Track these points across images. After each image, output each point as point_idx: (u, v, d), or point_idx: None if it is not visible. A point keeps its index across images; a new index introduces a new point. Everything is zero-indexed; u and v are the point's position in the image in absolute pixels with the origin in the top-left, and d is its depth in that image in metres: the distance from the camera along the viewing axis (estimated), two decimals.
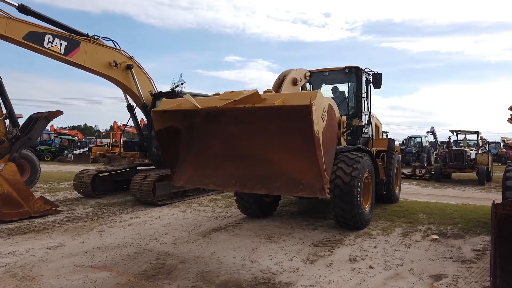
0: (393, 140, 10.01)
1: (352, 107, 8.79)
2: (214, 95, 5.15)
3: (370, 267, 4.97)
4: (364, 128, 8.78)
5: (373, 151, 8.36)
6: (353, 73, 8.63)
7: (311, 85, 9.34)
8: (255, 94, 4.44)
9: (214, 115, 5.32)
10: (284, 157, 4.86)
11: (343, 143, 7.89)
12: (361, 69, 8.63)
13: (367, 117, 9.07)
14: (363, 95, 8.72)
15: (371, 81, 8.81)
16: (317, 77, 9.21)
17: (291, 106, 4.37)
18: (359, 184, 6.58)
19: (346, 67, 8.58)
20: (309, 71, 9.04)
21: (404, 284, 4.39)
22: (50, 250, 5.65)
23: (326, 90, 9.53)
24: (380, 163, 8.58)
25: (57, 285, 4.31)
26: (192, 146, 5.57)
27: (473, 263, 5.15)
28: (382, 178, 8.53)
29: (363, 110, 8.76)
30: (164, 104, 5.11)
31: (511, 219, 3.16)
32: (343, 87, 9.23)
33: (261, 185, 4.83)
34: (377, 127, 10.55)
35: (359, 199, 6.54)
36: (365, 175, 7.01)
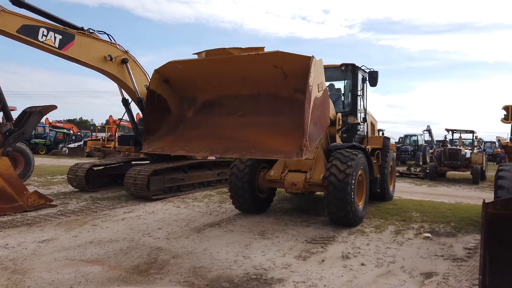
0: (388, 138, 10.06)
1: (348, 104, 8.80)
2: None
3: (362, 264, 4.99)
4: (359, 126, 8.79)
5: (368, 148, 8.37)
6: (349, 71, 8.61)
7: None
8: (259, 48, 4.87)
9: (211, 101, 5.48)
10: (266, 132, 4.86)
11: (338, 140, 7.90)
12: (358, 66, 8.62)
13: (362, 115, 9.09)
14: (359, 93, 8.73)
15: (367, 78, 8.81)
16: None
17: (293, 54, 4.56)
18: (353, 181, 6.59)
19: (342, 65, 8.57)
20: None
21: (395, 282, 4.42)
22: (42, 244, 5.63)
23: None
24: (374, 161, 8.60)
25: (49, 278, 4.30)
26: (177, 121, 5.57)
27: (464, 261, 5.19)
28: (377, 176, 8.56)
29: (359, 107, 8.78)
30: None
31: (502, 218, 3.18)
32: (339, 85, 9.23)
33: (234, 150, 4.78)
34: (373, 125, 10.58)
35: (352, 196, 6.55)
36: (360, 172, 7.02)
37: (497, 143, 35.58)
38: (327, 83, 9.33)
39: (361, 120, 8.98)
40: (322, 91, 4.78)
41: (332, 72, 9.00)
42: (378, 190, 8.76)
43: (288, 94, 5.01)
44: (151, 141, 5.31)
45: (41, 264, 4.76)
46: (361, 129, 9.03)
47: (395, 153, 11.34)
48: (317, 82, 4.55)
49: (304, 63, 4.49)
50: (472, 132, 19.16)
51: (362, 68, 8.80)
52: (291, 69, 4.72)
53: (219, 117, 5.43)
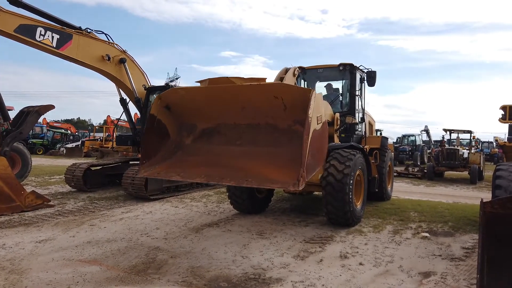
0: (386, 138, 10.05)
1: (346, 104, 8.79)
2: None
3: (360, 263, 5.00)
4: (357, 126, 8.79)
5: (366, 148, 8.37)
6: (347, 71, 8.61)
7: (305, 82, 9.34)
8: (261, 79, 5.07)
9: (210, 129, 5.56)
10: (263, 162, 4.88)
11: (336, 140, 7.89)
12: (356, 66, 8.62)
13: (360, 115, 9.08)
14: (357, 93, 8.72)
15: (365, 78, 8.81)
16: (312, 74, 9.20)
17: (294, 86, 4.79)
18: (351, 181, 6.59)
19: (340, 64, 8.57)
20: (303, 67, 9.06)
21: (393, 281, 4.42)
22: (39, 244, 5.61)
23: (320, 87, 9.53)
24: (372, 161, 8.60)
25: (46, 278, 4.29)
26: (175, 147, 5.64)
27: (462, 261, 5.19)
28: (375, 175, 8.56)
29: (357, 107, 8.78)
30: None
31: (499, 218, 3.18)
32: (337, 84, 9.23)
33: (230, 178, 4.78)
34: (371, 125, 10.57)
35: (350, 196, 6.56)
36: (358, 172, 7.02)
37: (494, 143, 35.69)
38: (325, 83, 9.39)
39: (359, 120, 8.97)
40: (321, 123, 4.84)
41: (330, 72, 9.03)
42: (376, 190, 8.75)
43: (287, 125, 5.05)
44: (147, 166, 5.33)
45: (39, 264, 4.74)
46: (359, 129, 9.03)
47: (393, 153, 11.35)
48: (316, 114, 4.61)
49: (304, 95, 4.57)
50: (469, 132, 19.22)
51: (360, 68, 8.81)
52: (291, 100, 4.77)
53: (218, 145, 5.47)
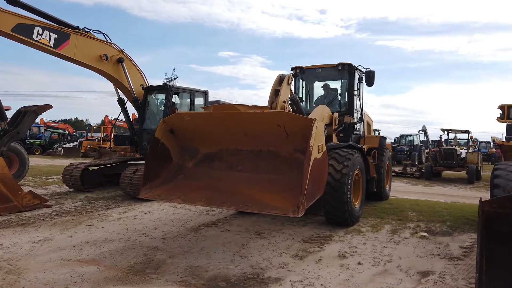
0: (385, 138, 10.08)
1: (345, 104, 8.80)
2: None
3: (359, 263, 4.99)
4: (356, 125, 8.79)
5: (364, 148, 8.37)
6: (346, 70, 8.62)
7: (304, 82, 9.33)
8: (264, 107, 5.49)
9: (212, 154, 5.65)
10: (264, 189, 4.92)
11: (335, 140, 7.89)
12: (354, 66, 8.63)
13: (359, 115, 9.08)
14: (355, 92, 8.73)
15: (364, 78, 8.81)
16: (310, 74, 9.21)
17: (297, 116, 4.93)
18: (350, 181, 6.59)
19: (339, 64, 8.57)
20: (302, 67, 9.05)
21: (392, 280, 4.42)
22: (37, 244, 5.58)
23: (318, 87, 9.53)
24: (371, 161, 8.59)
25: (44, 278, 4.26)
26: (177, 171, 5.70)
27: (460, 260, 5.20)
28: (373, 175, 8.57)
29: (355, 107, 8.78)
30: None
31: (498, 217, 3.18)
32: (336, 84, 9.25)
33: (231, 203, 4.81)
34: (369, 125, 10.59)
35: (349, 196, 6.56)
36: (356, 172, 7.02)
37: (491, 143, 35.81)
38: (322, 83, 9.39)
39: (358, 119, 8.97)
40: (322, 153, 4.86)
41: (329, 71, 9.04)
42: (375, 190, 8.77)
43: (288, 153, 5.11)
44: (149, 188, 5.37)
45: (36, 265, 4.71)
46: (357, 129, 9.03)
47: (390, 153, 11.37)
48: (317, 143, 4.66)
49: (306, 124, 4.64)
50: (467, 132, 19.27)
51: (359, 67, 8.81)
52: (293, 129, 4.84)
53: (219, 170, 5.52)
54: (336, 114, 7.91)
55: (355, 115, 8.73)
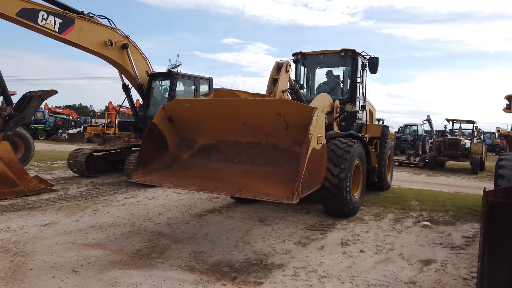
0: (387, 127, 9.90)
1: (347, 91, 8.63)
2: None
3: (361, 251, 5.04)
4: (358, 114, 8.64)
5: (366, 137, 8.23)
6: (349, 57, 8.44)
7: (305, 68, 9.13)
8: (265, 95, 5.29)
9: (210, 145, 5.59)
10: (259, 180, 4.84)
11: (336, 128, 7.75)
12: (358, 52, 8.45)
13: (361, 103, 8.93)
14: (358, 80, 8.56)
15: (367, 65, 8.60)
16: (312, 60, 9.00)
17: (298, 103, 4.79)
18: (348, 183, 6.38)
19: (342, 50, 8.39)
20: (304, 53, 8.86)
21: (394, 268, 4.46)
22: (43, 228, 5.66)
23: (320, 74, 9.33)
24: (372, 150, 8.45)
25: (51, 261, 4.34)
26: (172, 160, 5.63)
27: (462, 249, 5.23)
28: (374, 165, 8.41)
29: (357, 95, 8.63)
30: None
31: (502, 207, 3.19)
32: (338, 71, 9.05)
33: (223, 188, 4.75)
34: (371, 113, 10.38)
35: (348, 190, 6.37)
36: (356, 162, 6.82)
37: (496, 134, 35.60)
38: (324, 70, 9.20)
39: (360, 108, 8.82)
40: (321, 145, 4.77)
41: (331, 57, 8.81)
42: (376, 180, 8.64)
43: (287, 146, 5.02)
44: (141, 173, 5.31)
45: (43, 247, 4.79)
46: (359, 117, 8.88)
47: (393, 142, 11.26)
48: (317, 134, 4.58)
49: (306, 113, 4.56)
50: (472, 122, 19.15)
51: (362, 54, 8.63)
52: (293, 119, 4.76)
53: (215, 162, 5.46)
54: (337, 102, 7.77)
55: (357, 103, 8.57)
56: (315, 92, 8.85)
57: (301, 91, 8.52)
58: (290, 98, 7.08)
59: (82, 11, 9.33)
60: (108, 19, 10.12)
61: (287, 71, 6.51)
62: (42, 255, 4.53)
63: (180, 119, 5.60)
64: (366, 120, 9.24)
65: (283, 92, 6.26)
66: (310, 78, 9.26)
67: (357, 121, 8.64)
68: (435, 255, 4.98)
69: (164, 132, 5.56)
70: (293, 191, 4.09)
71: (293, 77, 8.83)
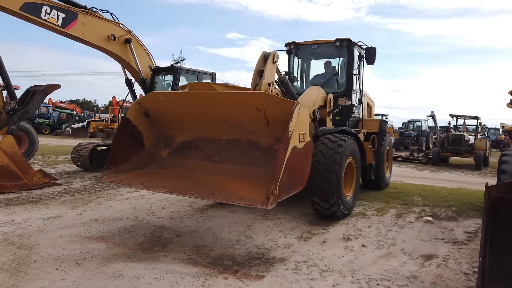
0: (385, 122, 9.37)
1: (343, 84, 8.07)
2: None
3: (363, 245, 5.05)
4: (353, 108, 8.09)
5: (363, 133, 7.73)
6: (344, 47, 7.86)
7: (299, 59, 8.64)
8: (246, 89, 4.98)
9: (188, 143, 5.30)
10: (238, 181, 4.60)
11: (329, 124, 7.21)
12: (354, 42, 7.89)
13: (358, 96, 8.32)
14: (355, 71, 7.97)
15: (364, 56, 8.06)
16: (306, 50, 8.51)
17: (278, 98, 4.55)
18: (339, 177, 5.91)
19: (337, 40, 7.81)
20: (297, 43, 8.38)
21: (395, 263, 4.47)
22: (47, 221, 5.71)
23: (314, 65, 8.89)
24: (369, 146, 7.93)
25: (55, 254, 4.38)
26: (149, 159, 5.37)
27: (464, 244, 5.23)
28: (371, 162, 7.98)
29: (354, 88, 8.05)
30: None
31: (504, 202, 3.19)
32: (334, 62, 8.44)
33: (196, 191, 4.48)
34: (369, 107, 9.75)
35: (339, 193, 5.95)
36: (348, 160, 6.31)
37: (500, 130, 35.40)
38: (321, 61, 8.60)
39: (357, 101, 8.26)
40: (304, 143, 4.43)
41: (326, 48, 8.28)
42: (373, 178, 8.25)
43: (268, 143, 4.73)
44: (113, 172, 5.01)
45: (47, 240, 4.83)
46: (355, 112, 8.30)
47: (392, 137, 10.68)
48: (299, 131, 4.27)
49: (288, 109, 4.24)
50: (476, 118, 19.05)
51: (359, 44, 8.07)
52: (274, 114, 4.45)
53: (194, 160, 5.17)
54: (331, 96, 7.23)
55: (353, 96, 8.03)
56: (310, 85, 8.20)
57: (294, 84, 8.08)
58: (279, 91, 6.60)
59: (85, 6, 9.33)
60: (111, 13, 10.13)
61: (274, 62, 5.99)
62: (46, 247, 4.58)
63: (157, 115, 5.30)
64: (363, 115, 8.64)
65: (269, 85, 5.78)
66: (304, 69, 8.73)
67: (353, 115, 8.14)
68: (437, 250, 4.98)
69: (140, 128, 5.27)
70: (268, 195, 3.79)
71: (285, 68, 8.41)
